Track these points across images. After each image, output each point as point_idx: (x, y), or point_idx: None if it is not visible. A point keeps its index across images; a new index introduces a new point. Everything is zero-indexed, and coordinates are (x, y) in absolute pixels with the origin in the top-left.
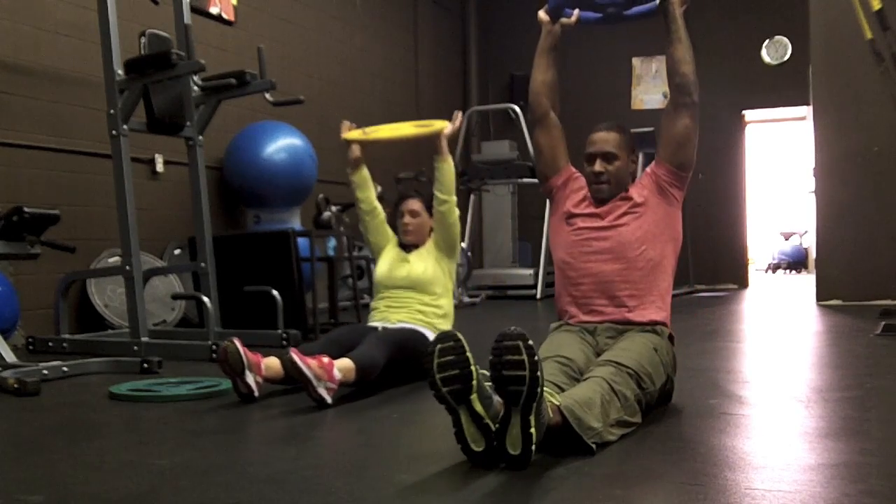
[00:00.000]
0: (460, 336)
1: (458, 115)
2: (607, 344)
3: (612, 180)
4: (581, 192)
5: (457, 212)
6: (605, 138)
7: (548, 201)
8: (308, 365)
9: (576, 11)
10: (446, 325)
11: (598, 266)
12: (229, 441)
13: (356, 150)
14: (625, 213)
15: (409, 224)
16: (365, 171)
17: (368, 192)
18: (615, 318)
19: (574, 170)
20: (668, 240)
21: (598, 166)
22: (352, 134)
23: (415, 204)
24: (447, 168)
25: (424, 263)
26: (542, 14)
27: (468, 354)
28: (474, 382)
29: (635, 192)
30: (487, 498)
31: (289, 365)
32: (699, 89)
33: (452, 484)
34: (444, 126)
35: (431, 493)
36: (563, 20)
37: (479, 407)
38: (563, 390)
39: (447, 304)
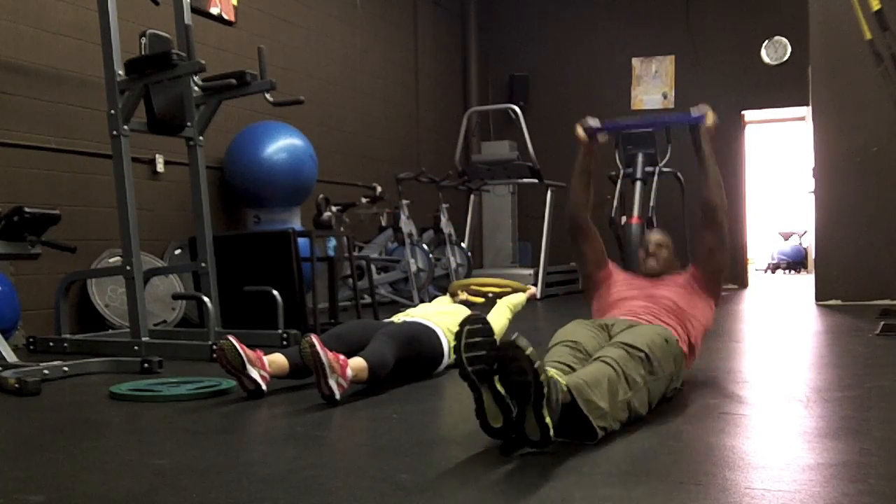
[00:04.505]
0: (488, 319)
1: (533, 289)
2: (620, 331)
3: (661, 262)
4: (626, 273)
5: (510, 315)
6: (657, 237)
7: (548, 196)
8: (326, 352)
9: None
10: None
11: (630, 301)
12: (229, 441)
13: (461, 297)
14: (667, 283)
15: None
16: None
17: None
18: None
19: (613, 262)
20: (696, 316)
21: (651, 249)
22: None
23: None
24: (521, 301)
25: (466, 312)
26: (581, 133)
27: (495, 337)
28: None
29: (679, 277)
30: (488, 498)
31: (307, 349)
32: (726, 211)
33: (453, 484)
34: (529, 290)
35: (432, 493)
36: (600, 137)
37: (500, 386)
38: (572, 369)
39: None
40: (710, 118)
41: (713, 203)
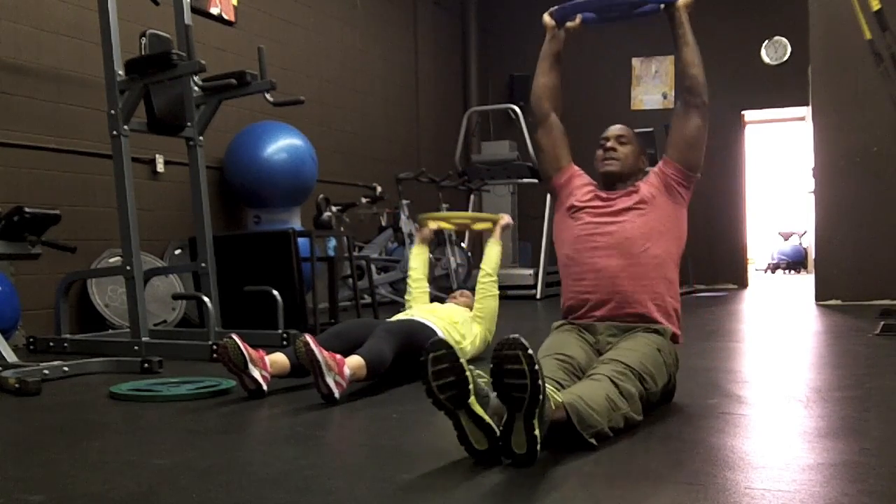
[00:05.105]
0: (451, 343)
1: (506, 217)
2: (609, 343)
3: (622, 160)
4: (586, 188)
5: (496, 288)
6: (618, 128)
7: (548, 197)
8: (321, 351)
9: (579, 16)
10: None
11: (602, 261)
12: (229, 441)
13: (428, 233)
14: (631, 209)
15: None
16: (427, 251)
17: (425, 269)
18: (617, 315)
19: (577, 168)
20: (672, 238)
21: (609, 143)
22: (431, 216)
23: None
24: (496, 250)
25: (462, 311)
26: (546, 18)
27: (461, 361)
28: (470, 387)
29: (644, 188)
30: (488, 498)
31: (302, 349)
32: (708, 90)
33: (453, 484)
34: (502, 219)
35: (432, 493)
36: (568, 24)
37: (478, 409)
38: (562, 387)
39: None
40: None
41: (699, 81)
